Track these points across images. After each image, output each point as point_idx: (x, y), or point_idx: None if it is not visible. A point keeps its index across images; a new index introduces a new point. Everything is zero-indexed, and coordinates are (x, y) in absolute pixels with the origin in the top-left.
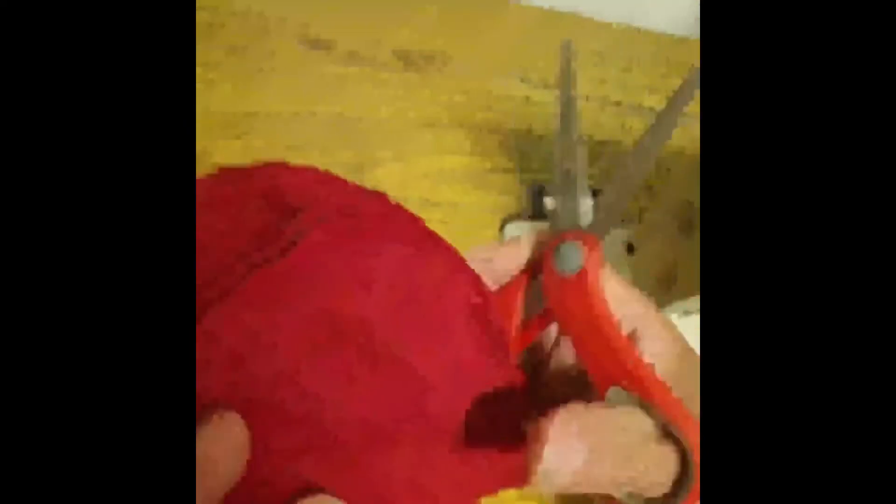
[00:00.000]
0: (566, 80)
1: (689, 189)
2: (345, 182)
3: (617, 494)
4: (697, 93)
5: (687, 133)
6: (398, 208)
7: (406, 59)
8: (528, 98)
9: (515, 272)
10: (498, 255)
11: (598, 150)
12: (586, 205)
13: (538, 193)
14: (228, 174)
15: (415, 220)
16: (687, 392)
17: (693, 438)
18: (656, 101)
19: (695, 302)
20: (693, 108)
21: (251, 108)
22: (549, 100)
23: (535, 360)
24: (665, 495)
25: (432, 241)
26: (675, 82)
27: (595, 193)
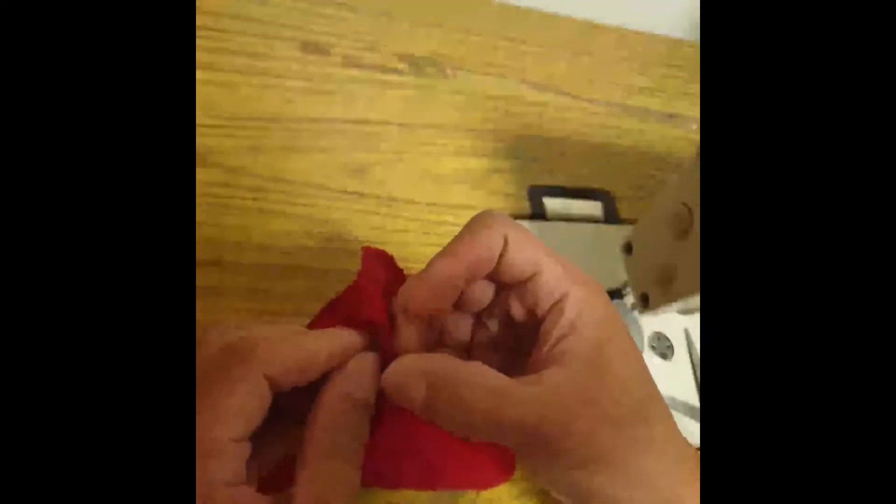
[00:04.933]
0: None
1: (686, 190)
2: None
3: None
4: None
5: (687, 136)
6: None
7: (409, 63)
8: (528, 100)
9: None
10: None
11: (595, 151)
12: None
13: (538, 194)
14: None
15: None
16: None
17: None
18: (654, 103)
19: (693, 301)
20: (693, 111)
21: (252, 110)
22: (548, 101)
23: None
24: None
25: None
26: (674, 84)
27: (590, 194)
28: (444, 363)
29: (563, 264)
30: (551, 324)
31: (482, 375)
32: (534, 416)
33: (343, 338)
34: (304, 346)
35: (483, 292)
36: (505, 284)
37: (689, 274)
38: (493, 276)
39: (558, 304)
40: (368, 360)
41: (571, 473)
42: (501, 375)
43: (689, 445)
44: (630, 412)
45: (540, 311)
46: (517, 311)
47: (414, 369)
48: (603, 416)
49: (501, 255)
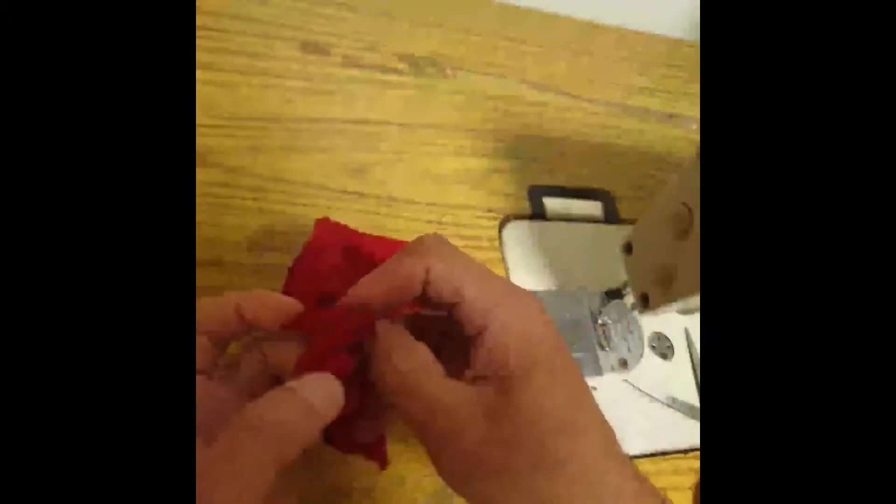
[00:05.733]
0: None
1: (686, 190)
2: None
3: None
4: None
5: (687, 136)
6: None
7: (409, 63)
8: (528, 100)
9: None
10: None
11: (595, 151)
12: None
13: (538, 194)
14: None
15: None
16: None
17: None
18: (654, 103)
19: (693, 301)
20: (693, 111)
21: (252, 110)
22: (548, 101)
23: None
24: None
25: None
26: (674, 84)
27: (590, 194)
28: (391, 333)
29: (488, 290)
30: (474, 354)
31: (414, 351)
32: (433, 412)
33: (258, 297)
34: (215, 301)
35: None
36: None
37: (689, 274)
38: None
39: (480, 336)
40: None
41: (452, 481)
42: (431, 360)
43: (623, 466)
44: (532, 436)
45: (468, 334)
46: (452, 332)
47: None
48: (495, 438)
49: (426, 283)
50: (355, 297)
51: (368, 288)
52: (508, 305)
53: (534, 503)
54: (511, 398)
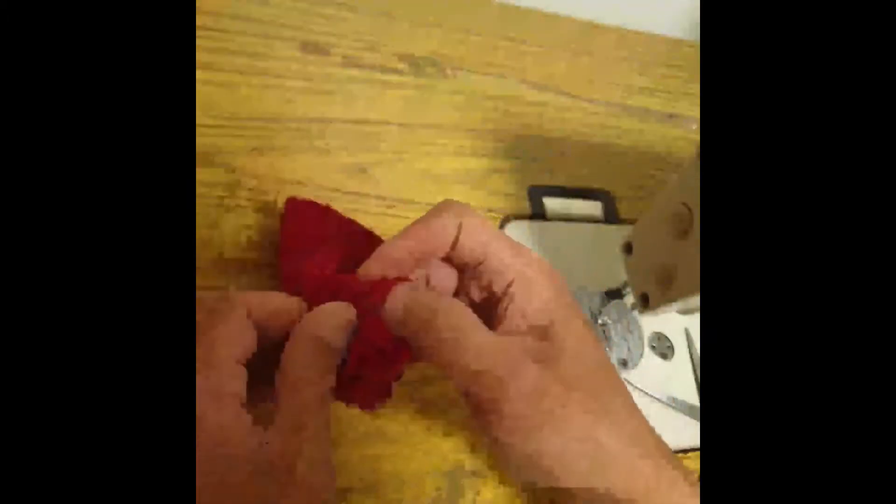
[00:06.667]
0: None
1: (686, 190)
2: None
3: None
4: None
5: (687, 136)
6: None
7: (409, 63)
8: (528, 100)
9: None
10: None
11: (595, 151)
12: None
13: (538, 194)
14: None
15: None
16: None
17: None
18: (654, 103)
19: (693, 301)
20: (693, 111)
21: (252, 110)
22: (548, 101)
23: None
24: None
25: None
26: (674, 84)
27: (590, 194)
28: (426, 294)
29: (513, 248)
30: (503, 307)
31: (456, 308)
32: (486, 358)
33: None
34: (276, 298)
35: (448, 277)
36: (463, 268)
37: (689, 274)
38: (451, 260)
39: (509, 288)
40: (342, 307)
41: (514, 436)
42: (473, 315)
43: (648, 423)
44: (581, 379)
45: (496, 290)
46: (475, 293)
47: (398, 295)
48: (551, 377)
49: (455, 240)
50: (391, 251)
51: (404, 242)
52: (533, 263)
53: (575, 441)
54: (555, 342)
